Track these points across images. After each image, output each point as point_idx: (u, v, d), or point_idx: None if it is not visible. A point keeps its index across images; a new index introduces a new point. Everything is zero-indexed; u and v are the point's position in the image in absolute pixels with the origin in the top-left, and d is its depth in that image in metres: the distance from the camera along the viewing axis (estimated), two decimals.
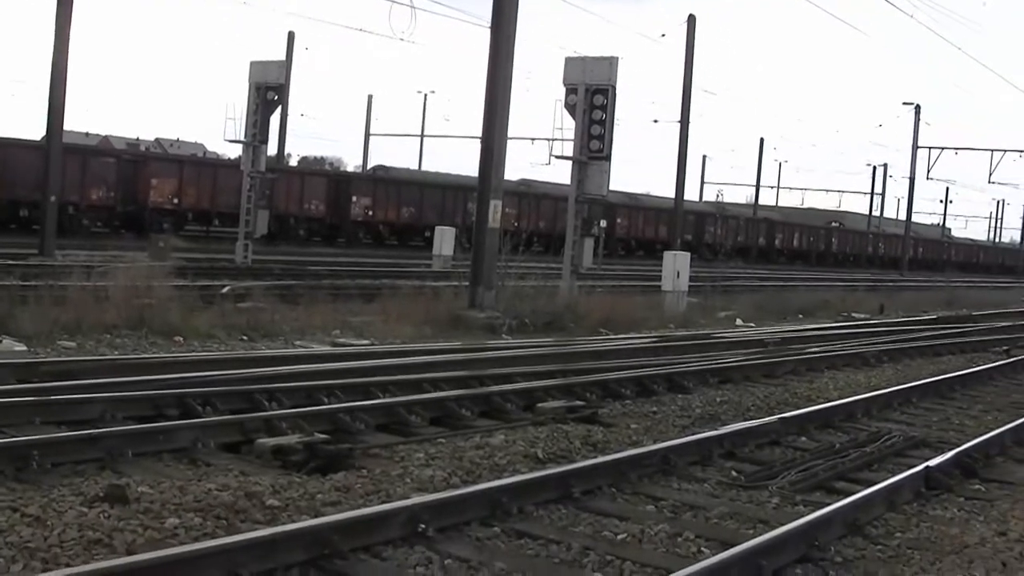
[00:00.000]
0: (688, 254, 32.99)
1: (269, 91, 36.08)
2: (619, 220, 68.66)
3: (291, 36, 65.69)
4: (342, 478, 9.09)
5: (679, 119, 49.98)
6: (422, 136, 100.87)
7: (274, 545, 6.75)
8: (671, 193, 52.90)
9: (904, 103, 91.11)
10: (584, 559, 7.63)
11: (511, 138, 25.13)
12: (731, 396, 15.58)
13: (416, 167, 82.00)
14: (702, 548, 8.04)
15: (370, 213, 57.68)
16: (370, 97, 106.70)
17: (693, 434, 12.05)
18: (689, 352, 19.46)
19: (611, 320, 24.42)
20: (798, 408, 14.44)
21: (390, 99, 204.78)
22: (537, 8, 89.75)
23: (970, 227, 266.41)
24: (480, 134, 24.83)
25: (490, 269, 23.66)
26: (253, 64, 36.38)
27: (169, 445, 9.89)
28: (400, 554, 7.34)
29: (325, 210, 55.92)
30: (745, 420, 13.29)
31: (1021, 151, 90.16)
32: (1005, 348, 25.77)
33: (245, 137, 36.15)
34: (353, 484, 8.92)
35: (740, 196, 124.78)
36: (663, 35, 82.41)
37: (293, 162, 74.14)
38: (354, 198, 56.93)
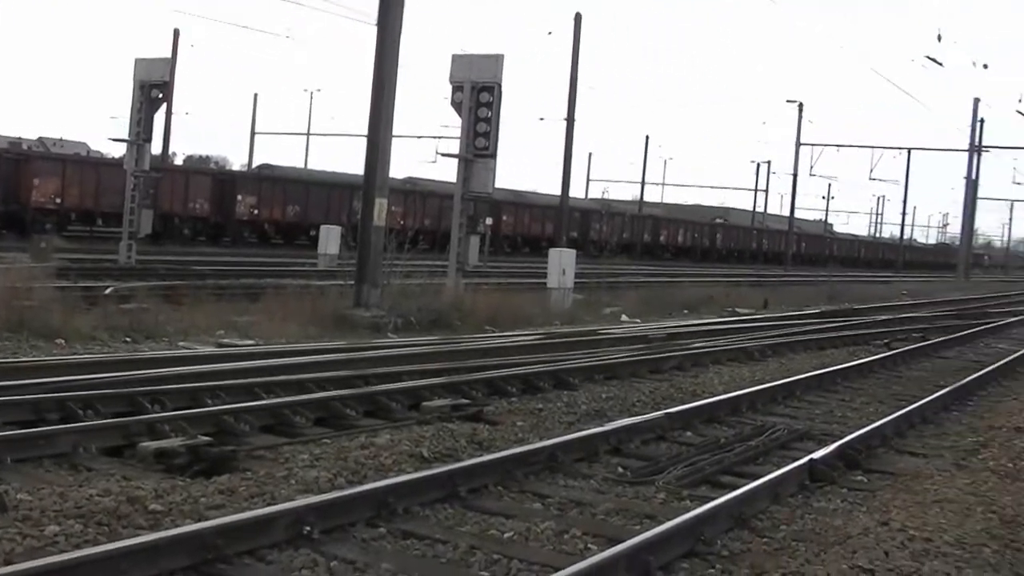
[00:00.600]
0: (574, 251, 33.07)
1: (154, 89, 35.60)
2: (505, 217, 68.77)
3: (176, 33, 64.89)
4: (226, 481, 8.97)
5: (565, 117, 50.09)
6: (308, 134, 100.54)
7: (157, 551, 6.64)
8: (557, 190, 52.95)
9: (788, 101, 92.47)
10: (471, 558, 7.60)
11: (397, 136, 25.08)
12: (617, 392, 15.62)
13: (302, 166, 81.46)
14: (589, 545, 8.05)
15: (255, 212, 57.21)
16: (255, 95, 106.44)
17: (579, 431, 12.06)
18: (575, 349, 19.52)
19: (497, 317, 24.42)
20: (684, 403, 14.48)
21: (276, 97, 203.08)
22: (424, 5, 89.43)
23: (852, 223, 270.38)
24: (366, 132, 24.69)
25: (376, 267, 23.54)
26: (138, 61, 35.90)
27: (49, 450, 9.69)
28: (285, 557, 7.26)
29: (210, 209, 55.33)
30: (631, 416, 13.32)
31: (901, 148, 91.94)
32: (886, 341, 26.14)
33: (129, 136, 35.66)
34: (237, 487, 8.80)
35: (626, 193, 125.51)
36: (550, 33, 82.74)
37: (178, 161, 73.34)
38: (239, 197, 56.42)
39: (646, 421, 12.67)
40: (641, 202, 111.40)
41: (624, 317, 28.87)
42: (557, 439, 11.23)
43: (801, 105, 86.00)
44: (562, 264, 30.46)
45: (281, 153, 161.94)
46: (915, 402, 15.61)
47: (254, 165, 78.22)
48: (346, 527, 7.93)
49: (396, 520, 8.25)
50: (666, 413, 13.21)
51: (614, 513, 9.09)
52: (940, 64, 53.47)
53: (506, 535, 8.20)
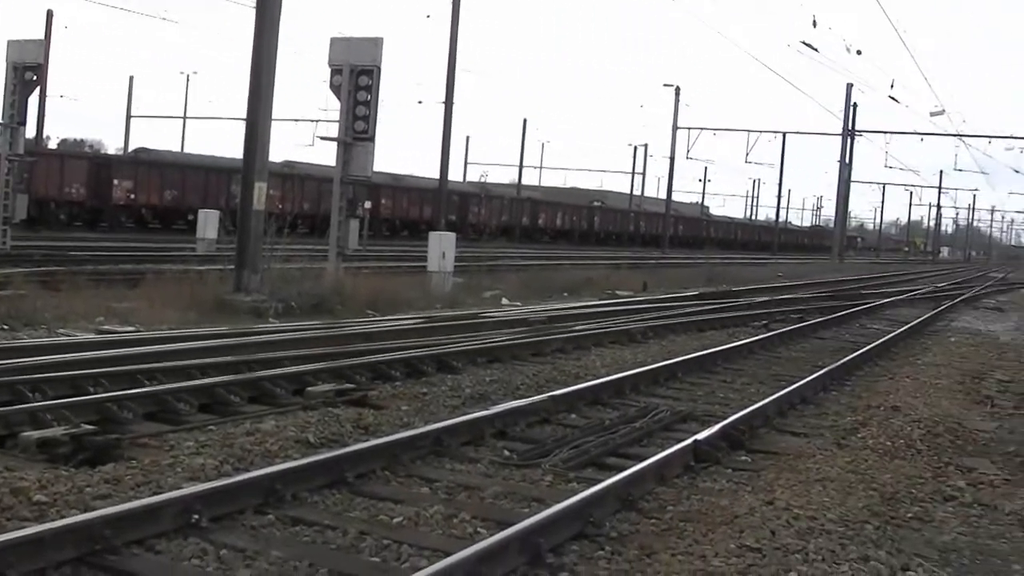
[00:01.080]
0: (453, 234, 33.03)
1: (27, 71, 34.85)
2: (384, 201, 68.51)
3: (50, 14, 63.77)
4: (111, 470, 8.82)
5: (443, 100, 49.99)
6: (185, 118, 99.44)
7: (42, 543, 6.52)
8: (436, 174, 52.88)
9: (665, 85, 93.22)
10: (361, 544, 7.57)
11: (276, 119, 24.85)
12: (500, 375, 15.63)
13: (179, 150, 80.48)
14: (479, 529, 8.06)
15: (132, 197, 56.36)
16: (131, 78, 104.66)
17: (465, 415, 12.03)
18: (457, 332, 19.52)
19: (378, 301, 24.35)
20: (567, 386, 14.52)
21: (152, 80, 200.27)
22: None
23: (728, 205, 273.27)
24: (245, 115, 24.47)
25: (255, 252, 23.35)
26: (10, 43, 35.15)
27: None
28: (174, 546, 7.18)
29: (86, 194, 54.33)
30: (515, 399, 13.31)
31: (776, 132, 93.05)
32: (764, 322, 26.50)
33: (2, 119, 34.93)
34: (123, 476, 8.67)
35: (504, 176, 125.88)
36: (428, 16, 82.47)
37: (52, 144, 71.84)
38: (116, 181, 55.54)
39: (531, 404, 12.67)
40: (519, 185, 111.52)
41: (505, 300, 28.94)
42: (443, 423, 11.21)
43: (678, 89, 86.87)
44: (442, 247, 30.46)
45: (158, 137, 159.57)
46: (795, 382, 15.80)
47: (130, 149, 77.05)
48: (234, 515, 7.86)
49: (284, 507, 8.20)
50: (550, 396, 13.23)
51: (502, 496, 9.11)
52: (815, 50, 54.20)
53: (395, 520, 8.18)
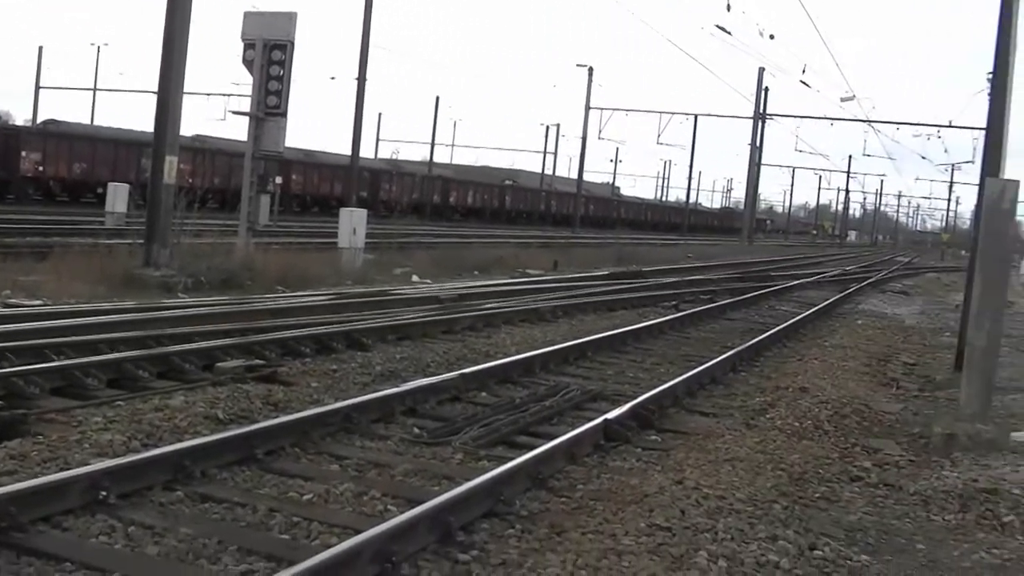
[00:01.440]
0: (364, 211, 32.89)
1: None
2: (295, 177, 68.05)
3: None
4: (17, 446, 8.69)
5: (356, 76, 49.70)
6: (95, 90, 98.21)
7: None
8: (347, 150, 52.56)
9: (578, 65, 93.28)
10: (271, 521, 7.54)
11: (188, 93, 24.65)
12: (411, 353, 15.61)
13: (89, 122, 79.48)
14: (389, 506, 8.05)
15: (40, 169, 55.47)
16: (40, 48, 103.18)
17: (375, 392, 12.01)
18: (367, 309, 19.46)
19: (288, 277, 24.22)
20: (477, 364, 14.54)
21: (62, 51, 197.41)
22: None
23: (639, 186, 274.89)
24: (156, 88, 24.21)
25: (165, 226, 23.14)
26: None
27: None
28: (82, 523, 7.10)
29: None
30: (426, 376, 13.32)
31: (688, 114, 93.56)
32: (674, 303, 26.64)
33: None
34: (29, 452, 8.54)
35: (416, 154, 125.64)
36: None
37: None
38: (23, 153, 54.59)
39: (441, 382, 12.68)
40: (431, 163, 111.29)
41: (415, 277, 28.90)
42: (353, 400, 11.17)
43: (591, 69, 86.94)
44: (353, 224, 30.32)
45: (68, 109, 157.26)
46: (704, 363, 15.94)
47: (39, 121, 75.98)
48: (143, 491, 7.78)
49: (193, 483, 8.14)
50: (460, 374, 13.24)
51: (412, 474, 9.10)
52: (728, 33, 54.47)
53: (305, 497, 8.16)
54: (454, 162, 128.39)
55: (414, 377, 13.42)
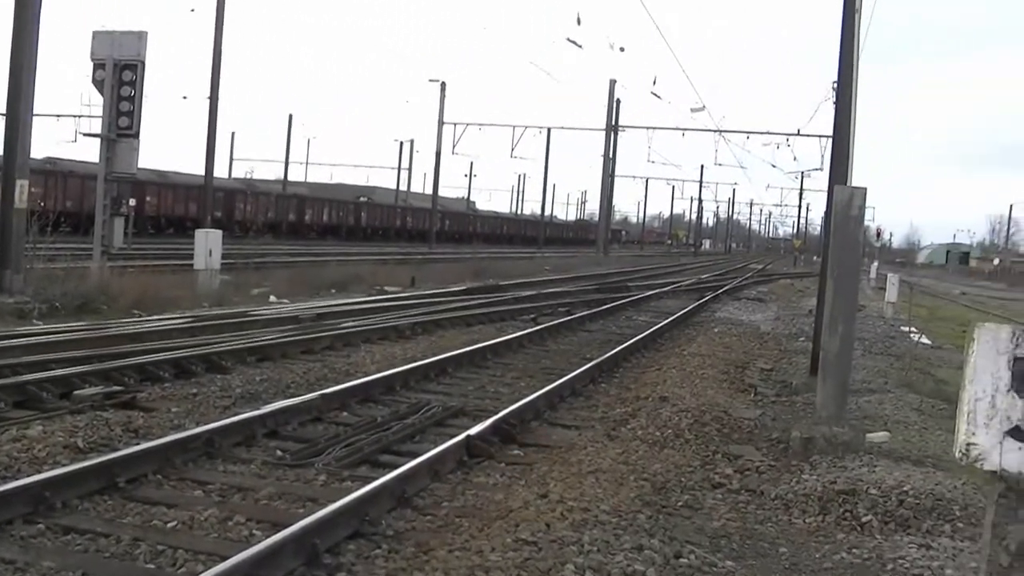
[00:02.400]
0: (219, 232, 32.52)
1: None
2: (148, 198, 67.08)
3: None
4: None
5: (208, 95, 49.23)
6: None
7: None
8: (201, 170, 52.05)
9: (431, 80, 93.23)
10: (135, 551, 7.45)
11: (37, 115, 24.24)
12: (271, 374, 15.51)
13: None
14: (254, 531, 8.01)
15: None
16: None
17: (236, 415, 11.93)
18: (226, 331, 19.28)
19: (145, 301, 23.87)
20: (338, 383, 14.52)
21: None
22: None
23: (494, 199, 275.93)
24: (4, 111, 23.77)
25: (18, 252, 22.75)
26: None
27: None
28: None
29: None
30: (286, 398, 13.27)
31: (541, 127, 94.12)
32: (532, 316, 26.78)
33: None
34: None
35: (270, 173, 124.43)
36: (192, 10, 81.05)
37: None
38: None
39: (302, 403, 12.64)
40: (285, 181, 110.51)
41: (273, 298, 28.67)
42: (214, 424, 11.08)
43: (443, 84, 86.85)
44: (208, 245, 29.98)
45: None
46: (565, 375, 16.06)
47: None
48: (3, 525, 7.65)
49: (55, 515, 8.01)
50: (321, 394, 13.22)
51: (276, 497, 9.06)
52: (579, 46, 54.79)
53: (169, 525, 8.08)
54: (309, 180, 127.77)
55: (275, 399, 13.35)
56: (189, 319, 20.95)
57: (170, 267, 32.34)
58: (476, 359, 18.24)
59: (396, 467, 9.69)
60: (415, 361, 17.03)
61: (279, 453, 10.76)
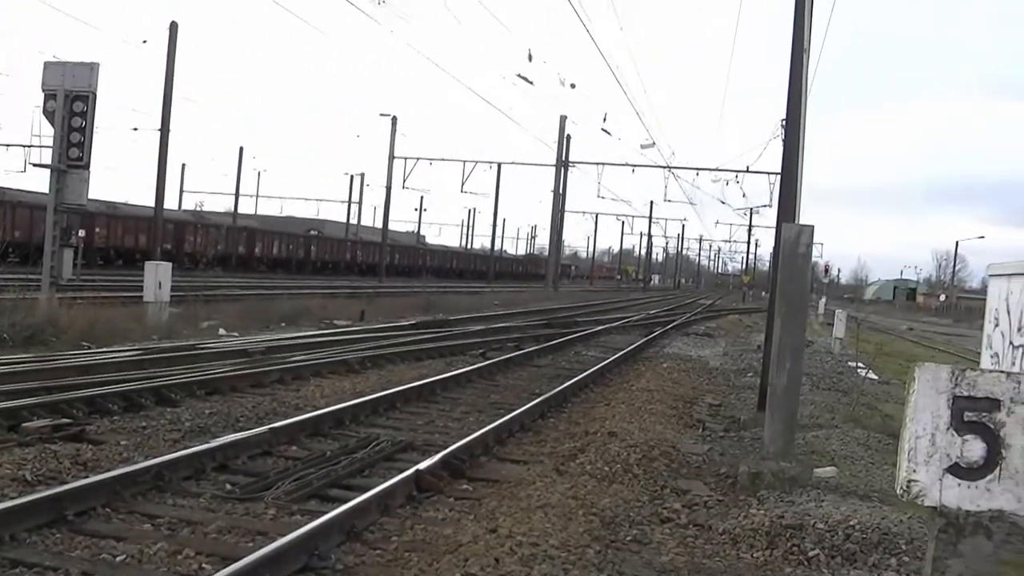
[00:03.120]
0: (169, 264, 32.42)
1: None
2: (98, 229, 66.79)
3: None
4: None
5: (159, 127, 49.19)
6: None
7: None
8: (151, 202, 51.94)
9: (381, 115, 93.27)
10: None
11: None
12: (220, 408, 15.46)
13: None
14: (203, 565, 8.01)
15: None
16: None
17: (185, 448, 11.90)
18: (175, 364, 19.22)
19: (94, 333, 23.76)
20: (287, 417, 14.50)
21: None
22: (14, 7, 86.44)
23: (444, 234, 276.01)
24: None
25: None
26: None
27: None
28: None
29: None
30: (236, 432, 13.26)
31: (492, 162, 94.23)
32: (481, 351, 26.81)
33: None
34: None
35: (220, 205, 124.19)
36: (145, 42, 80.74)
37: None
38: None
39: (252, 436, 12.64)
40: (235, 214, 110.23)
41: (222, 331, 28.59)
42: (163, 457, 11.05)
43: (395, 118, 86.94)
44: (158, 277, 29.87)
45: None
46: (513, 410, 16.12)
47: None
48: None
49: (3, 548, 7.99)
50: (271, 428, 13.22)
51: (226, 531, 9.06)
52: (530, 83, 54.91)
53: (118, 558, 8.06)
54: (259, 212, 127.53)
55: (224, 432, 13.34)
56: (138, 352, 20.87)
57: (119, 299, 32.18)
58: (425, 393, 18.26)
59: (345, 501, 9.72)
60: (364, 395, 17.05)
61: (228, 487, 10.74)
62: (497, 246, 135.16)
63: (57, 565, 7.74)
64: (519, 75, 54.54)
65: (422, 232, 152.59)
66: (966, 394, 5.96)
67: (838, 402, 20.82)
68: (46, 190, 27.84)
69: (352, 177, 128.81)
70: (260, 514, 9.78)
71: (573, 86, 63.67)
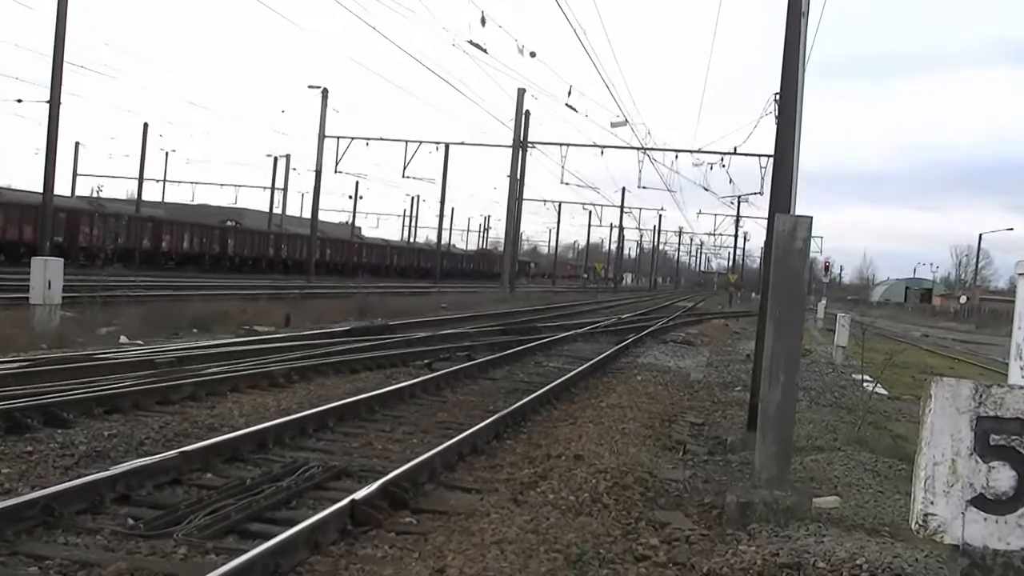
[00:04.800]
0: (61, 260, 32.24)
1: None
2: None
3: None
4: None
5: (48, 99, 48.84)
6: None
7: None
8: (38, 187, 51.62)
9: (311, 87, 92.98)
10: None
11: None
12: (121, 429, 15.38)
13: None
14: None
15: None
16: None
17: (79, 477, 11.83)
18: (68, 377, 19.08)
19: None
20: (200, 439, 14.41)
21: None
22: None
23: (383, 226, 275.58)
24: None
25: None
26: None
27: None
28: None
29: None
30: (140, 456, 13.18)
31: (438, 143, 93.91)
32: (427, 362, 26.79)
33: None
34: None
35: (121, 191, 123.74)
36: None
37: None
38: None
39: (158, 462, 12.55)
40: (139, 201, 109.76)
41: (124, 339, 28.46)
42: (53, 488, 10.95)
43: (325, 91, 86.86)
44: (47, 276, 29.71)
45: None
46: (464, 430, 16.10)
47: None
48: None
49: None
50: (181, 452, 13.13)
51: (128, 574, 8.98)
52: (484, 50, 54.88)
53: None
54: (167, 200, 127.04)
55: (126, 458, 13.26)
56: (23, 363, 20.73)
57: (1, 301, 32.00)
58: (362, 411, 18.22)
59: (269, 537, 9.67)
60: (291, 413, 17.01)
61: (131, 522, 10.67)
62: (445, 239, 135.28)
63: None
64: (470, 41, 54.50)
65: (358, 223, 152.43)
66: (992, 414, 5.91)
67: (841, 421, 20.89)
68: None
69: (276, 159, 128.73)
70: (168, 553, 9.71)
71: (533, 55, 63.19)
